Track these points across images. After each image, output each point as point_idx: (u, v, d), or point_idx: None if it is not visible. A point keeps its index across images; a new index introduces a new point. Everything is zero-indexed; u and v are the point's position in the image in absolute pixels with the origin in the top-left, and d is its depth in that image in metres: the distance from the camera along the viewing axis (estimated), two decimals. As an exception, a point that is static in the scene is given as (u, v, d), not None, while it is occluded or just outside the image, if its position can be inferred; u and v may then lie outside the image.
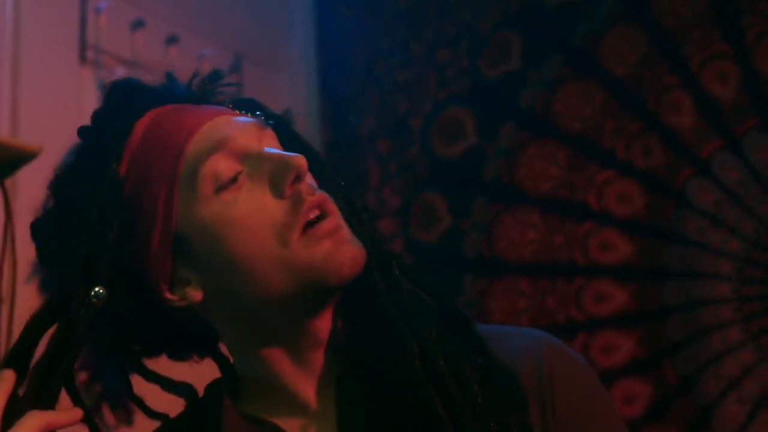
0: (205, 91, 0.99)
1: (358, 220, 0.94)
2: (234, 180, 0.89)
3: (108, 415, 2.19)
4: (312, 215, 0.88)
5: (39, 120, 2.07)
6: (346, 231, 0.90)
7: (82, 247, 0.89)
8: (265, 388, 0.94)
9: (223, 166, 0.89)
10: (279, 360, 0.92)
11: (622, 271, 2.29)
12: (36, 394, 0.88)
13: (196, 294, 0.91)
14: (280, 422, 0.92)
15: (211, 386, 0.99)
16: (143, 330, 0.96)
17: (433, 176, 2.57)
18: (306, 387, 0.92)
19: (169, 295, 0.92)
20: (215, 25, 2.60)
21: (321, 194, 0.90)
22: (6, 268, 1.71)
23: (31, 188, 2.07)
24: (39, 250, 0.96)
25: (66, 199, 0.94)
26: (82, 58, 2.23)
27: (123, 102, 0.96)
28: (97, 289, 0.89)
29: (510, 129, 2.48)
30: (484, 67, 2.55)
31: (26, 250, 2.03)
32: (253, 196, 0.89)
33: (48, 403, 0.88)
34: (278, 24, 2.84)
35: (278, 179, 0.88)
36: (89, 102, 2.21)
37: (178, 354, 1.00)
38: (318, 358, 0.92)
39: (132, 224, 0.91)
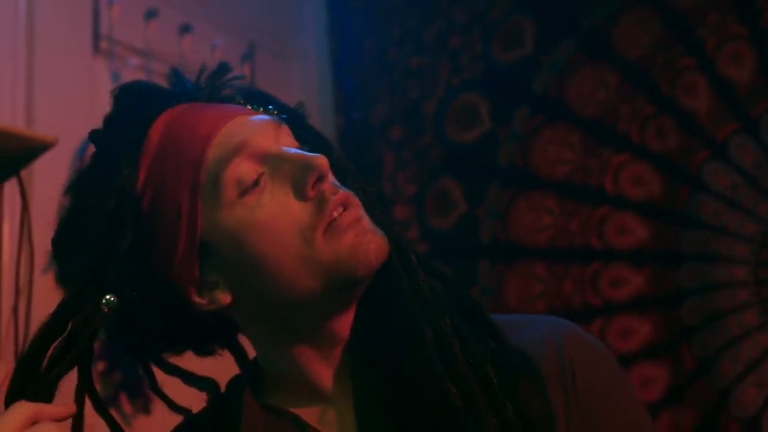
0: (214, 87, 0.99)
1: (377, 210, 0.94)
2: (256, 183, 0.89)
3: (126, 404, 2.21)
4: (336, 213, 0.88)
5: (54, 111, 2.08)
6: (367, 221, 0.90)
7: (92, 256, 0.89)
8: (286, 380, 0.94)
9: (244, 169, 0.89)
10: (303, 355, 0.93)
11: (638, 255, 2.29)
12: (34, 393, 0.88)
13: (224, 297, 0.92)
14: (300, 412, 0.93)
15: (233, 381, 1.00)
16: (169, 330, 0.96)
17: (448, 162, 2.57)
18: (326, 377, 0.93)
19: (197, 299, 0.92)
20: (228, 15, 2.60)
21: (344, 191, 0.90)
22: (23, 259, 1.72)
23: (46, 179, 2.09)
24: (55, 263, 0.96)
25: (77, 208, 0.94)
26: (96, 48, 2.24)
27: (134, 106, 0.95)
28: (108, 297, 0.89)
29: (524, 114, 2.48)
30: (497, 52, 2.55)
31: (43, 241, 2.05)
32: (276, 198, 0.89)
33: (43, 400, 0.88)
34: (290, 13, 2.84)
35: (301, 181, 0.88)
36: (103, 92, 2.21)
37: (203, 350, 1.00)
38: (339, 349, 0.93)
39: (154, 233, 0.91)
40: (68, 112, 2.12)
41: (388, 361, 0.89)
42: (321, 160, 0.89)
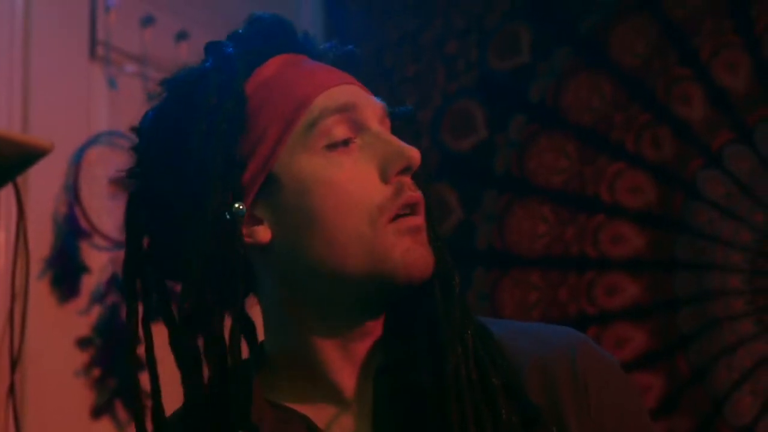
0: (340, 64, 0.99)
1: (435, 232, 0.94)
2: (346, 143, 0.89)
3: (121, 411, 2.19)
4: (405, 210, 0.89)
5: (50, 117, 2.08)
6: (425, 235, 0.90)
7: (216, 159, 0.87)
8: (295, 369, 0.92)
9: (340, 128, 0.89)
10: (322, 341, 0.91)
11: (633, 264, 2.29)
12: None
13: (264, 235, 0.89)
14: (310, 411, 0.90)
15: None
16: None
17: (444, 169, 2.57)
18: (346, 377, 0.91)
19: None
20: (225, 21, 2.59)
21: (420, 194, 0.90)
22: (19, 265, 1.72)
23: (42, 185, 2.09)
24: (143, 155, 0.93)
25: (186, 101, 0.91)
26: (92, 54, 2.24)
27: (265, 33, 0.96)
28: (236, 205, 0.88)
29: (520, 122, 2.48)
30: (493, 59, 2.55)
31: (38, 247, 2.04)
32: (358, 168, 0.89)
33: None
34: (287, 18, 2.84)
35: (389, 164, 0.89)
36: (99, 98, 2.22)
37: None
38: (363, 349, 0.91)
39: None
40: (64, 118, 2.12)
41: (408, 381, 0.88)
42: (415, 152, 0.89)
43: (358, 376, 0.91)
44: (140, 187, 0.94)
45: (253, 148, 0.89)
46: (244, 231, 0.89)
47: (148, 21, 2.34)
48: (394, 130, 0.96)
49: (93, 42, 2.24)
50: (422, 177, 0.94)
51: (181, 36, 2.41)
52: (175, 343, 0.89)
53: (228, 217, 0.87)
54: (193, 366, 0.87)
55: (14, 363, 1.70)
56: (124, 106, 2.20)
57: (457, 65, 2.60)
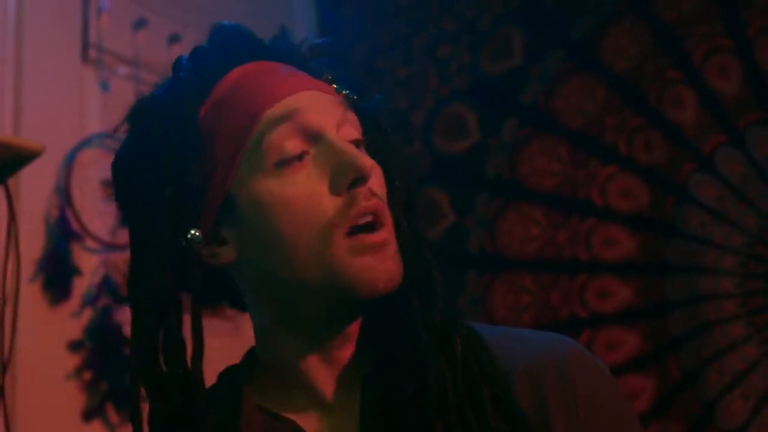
0: (309, 58, 0.98)
1: (412, 232, 0.92)
2: (299, 158, 0.88)
3: (112, 414, 2.18)
4: (362, 221, 0.87)
5: (41, 119, 2.08)
6: (391, 247, 0.88)
7: (163, 190, 0.88)
8: (283, 376, 0.92)
9: (289, 143, 0.88)
10: (302, 349, 0.91)
11: (625, 267, 2.29)
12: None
13: (229, 255, 0.90)
14: (298, 417, 0.91)
15: (228, 373, 0.97)
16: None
17: (435, 172, 2.57)
18: (329, 383, 0.91)
19: (202, 249, 0.90)
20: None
21: (377, 201, 0.88)
22: (10, 267, 1.71)
23: (33, 187, 2.08)
24: (116, 187, 0.95)
25: (142, 136, 0.92)
26: (85, 57, 2.23)
27: (226, 46, 0.95)
28: (192, 231, 0.88)
29: (512, 125, 2.48)
30: (486, 62, 2.55)
31: (29, 249, 2.04)
32: (310, 183, 0.87)
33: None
34: (280, 21, 2.83)
35: (339, 176, 0.87)
36: (91, 101, 2.22)
37: (206, 300, 0.94)
38: (345, 355, 0.91)
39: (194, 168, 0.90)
40: (56, 121, 2.11)
41: (390, 385, 0.88)
42: (366, 162, 0.87)
43: (341, 382, 0.91)
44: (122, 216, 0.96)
45: (210, 172, 0.89)
46: (208, 252, 0.90)
47: (140, 24, 2.34)
48: (382, 130, 0.95)
49: (85, 45, 2.24)
50: (407, 177, 0.94)
51: (174, 39, 2.41)
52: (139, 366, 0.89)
53: (184, 243, 0.87)
54: (159, 386, 0.88)
55: (5, 366, 1.69)
56: (116, 108, 2.19)
57: (449, 68, 2.60)
